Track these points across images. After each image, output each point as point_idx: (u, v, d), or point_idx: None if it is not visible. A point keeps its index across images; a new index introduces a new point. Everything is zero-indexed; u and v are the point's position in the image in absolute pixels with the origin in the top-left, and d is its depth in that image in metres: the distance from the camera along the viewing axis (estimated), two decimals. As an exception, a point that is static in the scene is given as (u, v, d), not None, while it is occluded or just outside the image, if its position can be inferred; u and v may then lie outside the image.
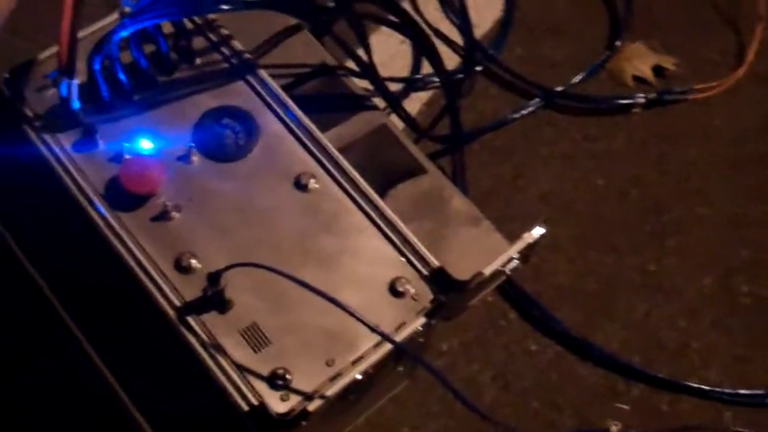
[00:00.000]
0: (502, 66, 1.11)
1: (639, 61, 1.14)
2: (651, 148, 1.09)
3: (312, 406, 0.65)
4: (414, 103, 1.08)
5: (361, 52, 0.86)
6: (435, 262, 0.72)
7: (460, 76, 1.09)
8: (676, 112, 1.12)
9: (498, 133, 1.08)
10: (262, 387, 0.65)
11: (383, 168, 0.82)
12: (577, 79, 1.12)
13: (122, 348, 0.72)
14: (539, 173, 1.05)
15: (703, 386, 0.94)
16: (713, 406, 0.94)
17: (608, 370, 0.94)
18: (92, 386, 0.72)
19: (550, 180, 1.05)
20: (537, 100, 1.10)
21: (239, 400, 0.64)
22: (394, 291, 0.70)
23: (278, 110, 0.77)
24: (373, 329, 0.65)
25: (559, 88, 1.11)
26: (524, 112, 1.09)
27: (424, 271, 0.71)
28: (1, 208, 0.77)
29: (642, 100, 1.11)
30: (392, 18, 0.82)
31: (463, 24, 1.14)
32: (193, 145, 0.74)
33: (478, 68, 1.11)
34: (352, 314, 0.65)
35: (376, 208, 0.74)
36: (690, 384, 0.94)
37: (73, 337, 0.72)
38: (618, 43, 1.15)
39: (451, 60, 1.13)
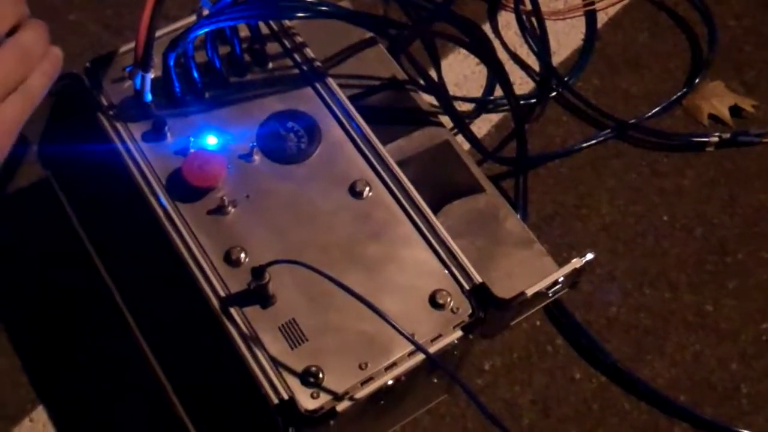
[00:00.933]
0: (576, 94, 1.11)
1: (717, 100, 1.13)
2: (721, 189, 1.07)
3: (341, 406, 0.66)
4: (484, 125, 1.10)
5: (433, 72, 0.87)
6: (478, 278, 0.73)
7: (533, 101, 1.10)
8: (751, 155, 1.10)
9: (566, 160, 1.08)
10: (294, 383, 0.67)
11: (441, 184, 0.83)
12: (651, 113, 1.12)
13: (167, 331, 0.75)
14: (603, 204, 1.05)
15: (749, 432, 0.92)
16: (758, 453, 0.92)
17: (652, 407, 0.93)
18: (134, 364, 0.76)
19: (613, 211, 1.05)
20: (608, 130, 1.10)
21: (270, 393, 0.66)
22: (434, 302, 0.72)
23: (342, 118, 0.79)
24: (407, 338, 0.67)
25: (633, 121, 1.11)
26: (594, 141, 1.09)
27: (466, 286, 0.73)
28: (69, 191, 0.81)
29: (716, 140, 1.09)
30: (466, 39, 0.84)
31: (541, 50, 1.14)
32: (256, 144, 0.77)
33: (552, 94, 1.12)
34: (387, 321, 0.66)
35: (426, 220, 0.75)
36: (736, 429, 0.92)
37: (123, 317, 0.76)
38: (697, 80, 1.14)
39: (526, 84, 1.14)
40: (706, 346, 0.97)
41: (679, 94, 1.14)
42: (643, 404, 0.93)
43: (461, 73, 1.13)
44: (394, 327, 0.67)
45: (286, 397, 0.66)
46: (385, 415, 0.81)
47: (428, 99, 0.87)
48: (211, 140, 0.76)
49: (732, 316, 0.99)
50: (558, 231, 1.03)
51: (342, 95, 0.81)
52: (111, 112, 0.77)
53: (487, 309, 0.72)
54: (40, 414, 0.87)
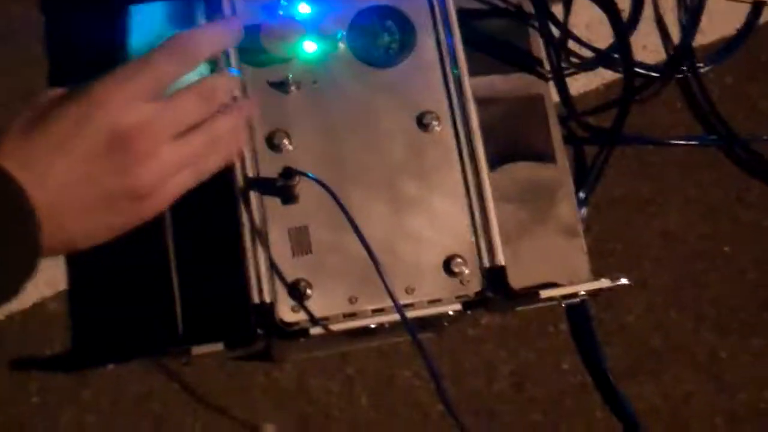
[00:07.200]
0: (702, 87, 1.03)
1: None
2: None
3: (315, 330, 0.66)
4: (596, 79, 1.02)
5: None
6: (501, 261, 0.70)
7: (654, 74, 1.02)
8: None
9: (658, 149, 1.01)
10: (281, 290, 0.66)
11: (515, 138, 0.79)
12: (768, 136, 1.03)
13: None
14: (673, 209, 0.99)
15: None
16: None
17: (624, 426, 0.91)
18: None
19: (680, 221, 0.99)
20: (715, 137, 1.02)
21: (254, 291, 0.65)
22: (447, 267, 0.69)
23: (441, 34, 0.74)
24: (392, 298, 0.64)
25: (746, 137, 1.02)
26: (696, 142, 1.01)
27: (486, 263, 0.70)
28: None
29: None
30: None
31: (689, 24, 1.05)
32: (344, 33, 0.72)
33: (677, 76, 1.03)
34: (381, 276, 0.64)
35: (478, 178, 0.71)
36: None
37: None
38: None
39: (656, 53, 1.05)
40: (701, 391, 0.94)
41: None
42: (615, 421, 0.91)
43: (598, 13, 1.04)
44: (385, 285, 0.64)
45: (267, 300, 0.65)
46: (362, 339, 0.81)
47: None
48: (304, 8, 0.72)
49: (741, 372, 0.95)
50: (616, 217, 0.97)
51: (453, 10, 0.75)
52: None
53: (496, 293, 0.70)
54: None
